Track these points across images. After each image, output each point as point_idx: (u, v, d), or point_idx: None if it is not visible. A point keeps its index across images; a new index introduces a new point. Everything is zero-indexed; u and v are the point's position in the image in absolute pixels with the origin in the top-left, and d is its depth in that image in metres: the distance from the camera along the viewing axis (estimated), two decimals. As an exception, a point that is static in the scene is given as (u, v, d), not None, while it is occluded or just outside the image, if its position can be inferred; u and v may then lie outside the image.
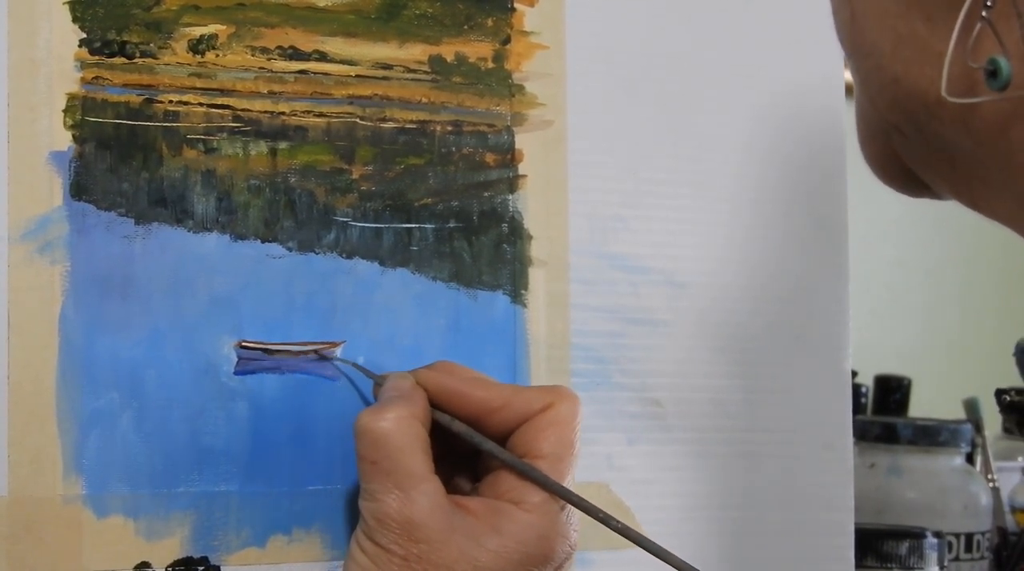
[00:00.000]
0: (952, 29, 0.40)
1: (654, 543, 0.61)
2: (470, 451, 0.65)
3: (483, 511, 0.61)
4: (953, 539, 1.02)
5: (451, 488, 0.63)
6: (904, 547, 0.87)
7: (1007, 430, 1.31)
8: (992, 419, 1.26)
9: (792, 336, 0.76)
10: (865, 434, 1.05)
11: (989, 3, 0.39)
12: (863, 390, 1.31)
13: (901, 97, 0.43)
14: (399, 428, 0.60)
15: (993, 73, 0.39)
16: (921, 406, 1.32)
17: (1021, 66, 0.39)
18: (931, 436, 1.04)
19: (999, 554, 1.11)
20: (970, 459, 1.13)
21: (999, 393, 1.07)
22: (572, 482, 0.63)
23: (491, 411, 0.62)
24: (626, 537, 0.62)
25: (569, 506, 0.62)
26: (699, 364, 0.74)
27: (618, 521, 0.62)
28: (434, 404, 0.63)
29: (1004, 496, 1.20)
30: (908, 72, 0.42)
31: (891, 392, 1.30)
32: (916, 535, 0.88)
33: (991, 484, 1.16)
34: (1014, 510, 1.21)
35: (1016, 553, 1.11)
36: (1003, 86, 0.39)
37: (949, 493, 1.03)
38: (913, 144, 0.45)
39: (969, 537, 1.03)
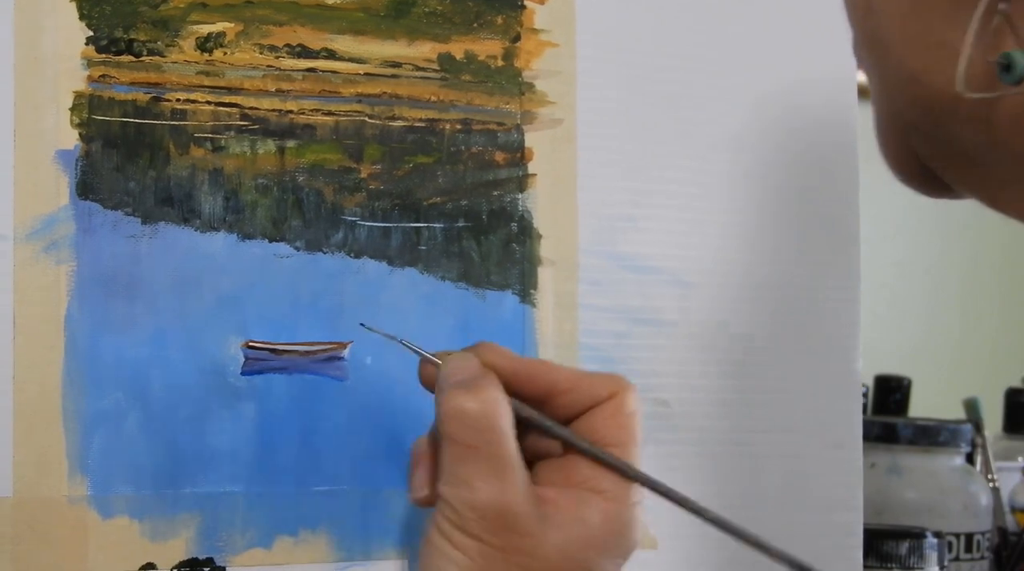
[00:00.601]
0: (968, 24, 0.40)
1: (755, 536, 0.59)
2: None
3: (564, 500, 0.58)
4: (953, 539, 1.02)
5: None
6: (904, 547, 0.86)
7: (1008, 430, 1.31)
8: (992, 419, 1.26)
9: (801, 336, 0.76)
10: (865, 434, 1.04)
11: None
12: (863, 390, 1.31)
13: (919, 95, 0.43)
14: (501, 410, 0.57)
15: (1007, 67, 0.39)
16: (921, 406, 1.32)
17: None
18: (931, 436, 1.04)
19: (999, 554, 1.11)
20: (970, 459, 1.13)
21: (1012, 392, 1.07)
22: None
23: (558, 393, 0.59)
24: (722, 529, 0.59)
25: (641, 492, 0.59)
26: (707, 364, 0.74)
27: (712, 512, 0.60)
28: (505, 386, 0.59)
29: (1004, 496, 1.20)
30: (926, 70, 0.42)
31: (891, 392, 1.30)
32: (916, 535, 0.87)
33: (991, 484, 1.16)
34: (1014, 510, 1.21)
35: (1016, 553, 1.11)
36: (1018, 80, 0.39)
37: (949, 493, 1.03)
38: (932, 143, 0.45)
39: (969, 537, 1.03)
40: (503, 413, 0.57)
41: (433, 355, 0.60)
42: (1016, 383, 1.36)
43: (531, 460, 0.60)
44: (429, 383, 0.60)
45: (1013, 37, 0.39)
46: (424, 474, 0.60)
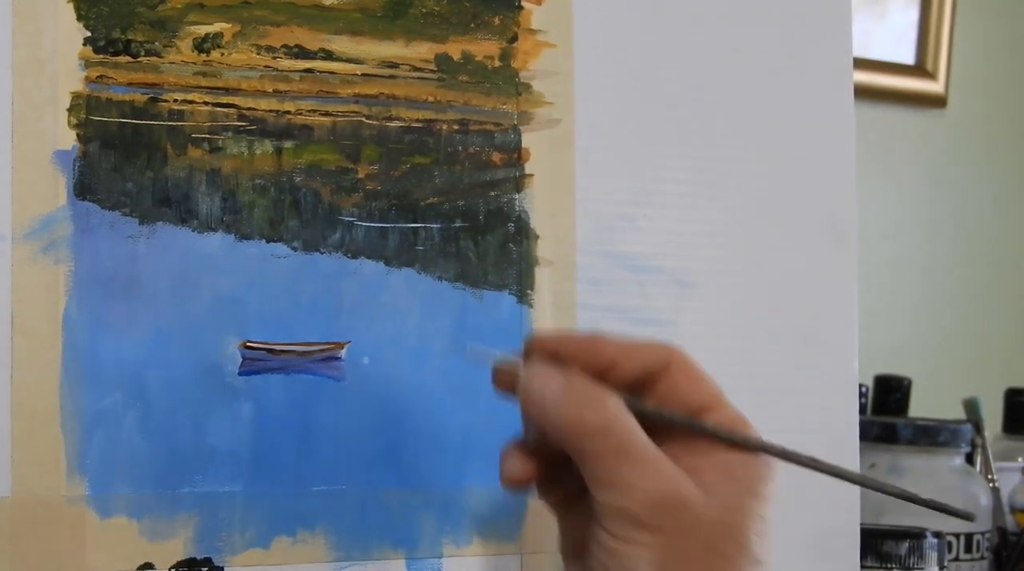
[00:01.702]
0: None
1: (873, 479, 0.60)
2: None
3: (705, 465, 0.57)
4: (953, 539, 1.02)
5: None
6: (904, 547, 0.86)
7: (1008, 430, 1.31)
8: (992, 419, 1.26)
9: (799, 336, 0.76)
10: (865, 434, 1.04)
11: None
12: (863, 390, 1.31)
13: None
14: (620, 409, 0.56)
15: None
16: (921, 406, 1.32)
17: None
18: (931, 436, 1.04)
19: (999, 554, 1.11)
20: (970, 459, 1.13)
21: (1013, 393, 1.07)
22: None
23: (613, 367, 0.58)
24: (839, 476, 0.60)
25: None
26: (705, 364, 0.74)
27: (827, 463, 0.60)
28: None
29: (1004, 496, 1.20)
30: None
31: (891, 392, 1.30)
32: (916, 535, 0.87)
33: (991, 484, 1.16)
34: (1014, 510, 1.21)
35: (1016, 553, 1.11)
36: None
37: (949, 493, 1.03)
38: None
39: (969, 537, 1.03)
40: (623, 411, 0.56)
41: (510, 360, 0.59)
42: (1017, 383, 1.36)
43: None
44: (506, 388, 0.60)
45: None
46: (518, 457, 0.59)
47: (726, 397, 0.60)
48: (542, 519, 0.65)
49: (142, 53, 0.64)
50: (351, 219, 0.67)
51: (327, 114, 0.67)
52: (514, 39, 0.71)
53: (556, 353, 0.58)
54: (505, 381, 0.59)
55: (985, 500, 1.05)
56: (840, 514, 0.76)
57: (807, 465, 0.60)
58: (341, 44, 0.68)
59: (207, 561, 0.64)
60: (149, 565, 0.63)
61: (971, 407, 1.24)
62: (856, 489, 0.77)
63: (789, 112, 0.76)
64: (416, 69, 0.69)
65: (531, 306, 0.70)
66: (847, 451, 0.77)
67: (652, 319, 0.73)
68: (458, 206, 0.69)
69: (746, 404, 0.75)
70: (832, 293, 0.77)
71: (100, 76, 0.63)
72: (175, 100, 0.65)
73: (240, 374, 0.65)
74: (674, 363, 0.59)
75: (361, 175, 0.68)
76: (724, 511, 0.57)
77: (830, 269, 0.77)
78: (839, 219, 0.77)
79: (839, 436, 0.76)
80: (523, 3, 0.71)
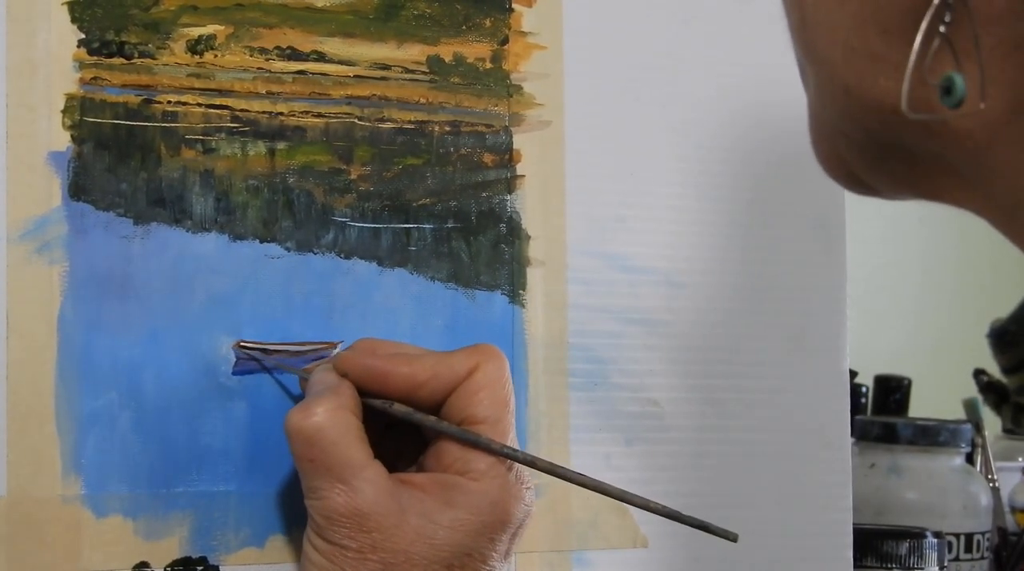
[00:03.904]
0: (907, 43, 0.40)
1: (604, 484, 0.60)
2: (412, 431, 0.63)
3: (432, 486, 0.60)
4: (953, 539, 1.02)
5: (398, 471, 0.62)
6: (904, 547, 0.87)
7: (1008, 430, 1.31)
8: (992, 419, 1.26)
9: (790, 336, 0.76)
10: (865, 434, 1.05)
11: (947, 19, 0.39)
12: (863, 390, 1.31)
13: (853, 107, 0.43)
14: (330, 421, 0.59)
15: (948, 90, 0.39)
16: (921, 406, 1.32)
17: (976, 84, 0.39)
18: (931, 436, 1.04)
19: (999, 554, 1.11)
20: (970, 459, 1.13)
21: (977, 373, 1.06)
22: (514, 441, 0.62)
23: (419, 384, 0.61)
24: (579, 484, 0.61)
25: (518, 466, 0.61)
26: (697, 364, 0.74)
27: (568, 469, 0.61)
28: (362, 387, 0.61)
29: (1004, 496, 1.20)
30: (860, 83, 0.42)
31: (891, 392, 1.30)
32: (916, 535, 0.87)
33: (991, 484, 1.16)
34: (1014, 510, 1.21)
35: (1016, 553, 1.11)
36: (957, 103, 0.39)
37: (949, 493, 1.03)
38: (860, 151, 0.45)
39: (969, 537, 1.03)
40: (337, 423, 0.59)
41: (305, 370, 0.64)
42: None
43: (426, 449, 0.62)
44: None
45: (953, 59, 0.39)
46: None
47: (505, 412, 0.61)
48: (536, 518, 0.65)
49: (136, 55, 0.64)
50: (344, 220, 0.67)
51: (320, 115, 0.67)
52: (505, 41, 0.71)
53: (357, 377, 0.61)
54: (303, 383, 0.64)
55: (985, 500, 1.05)
56: (833, 514, 0.77)
57: (545, 471, 0.61)
58: (333, 46, 0.68)
59: (202, 560, 0.64)
60: (144, 564, 0.63)
61: (971, 407, 1.24)
62: (850, 489, 0.77)
63: (778, 112, 0.76)
64: (408, 71, 0.69)
65: (523, 306, 0.70)
66: (839, 451, 0.77)
67: (643, 319, 0.73)
68: (450, 207, 0.70)
69: (736, 403, 0.75)
70: (822, 292, 0.77)
71: (94, 78, 0.64)
72: (169, 102, 0.65)
73: (234, 374, 0.65)
74: (476, 370, 0.61)
75: (354, 176, 0.68)
76: (418, 538, 0.58)
77: (820, 269, 0.77)
78: (828, 219, 0.77)
79: (831, 436, 0.77)
80: (514, 5, 0.71)
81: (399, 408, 0.61)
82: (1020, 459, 1.34)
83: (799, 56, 0.46)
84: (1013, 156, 0.40)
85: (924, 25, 0.39)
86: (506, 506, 0.60)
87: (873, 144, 0.44)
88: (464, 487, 0.60)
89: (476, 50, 0.70)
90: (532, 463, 0.61)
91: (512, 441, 0.61)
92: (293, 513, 0.65)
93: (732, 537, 0.59)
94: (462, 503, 0.59)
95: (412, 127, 0.69)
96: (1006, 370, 0.86)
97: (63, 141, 0.63)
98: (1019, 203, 0.41)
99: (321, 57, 0.67)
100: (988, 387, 1.07)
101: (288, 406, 0.65)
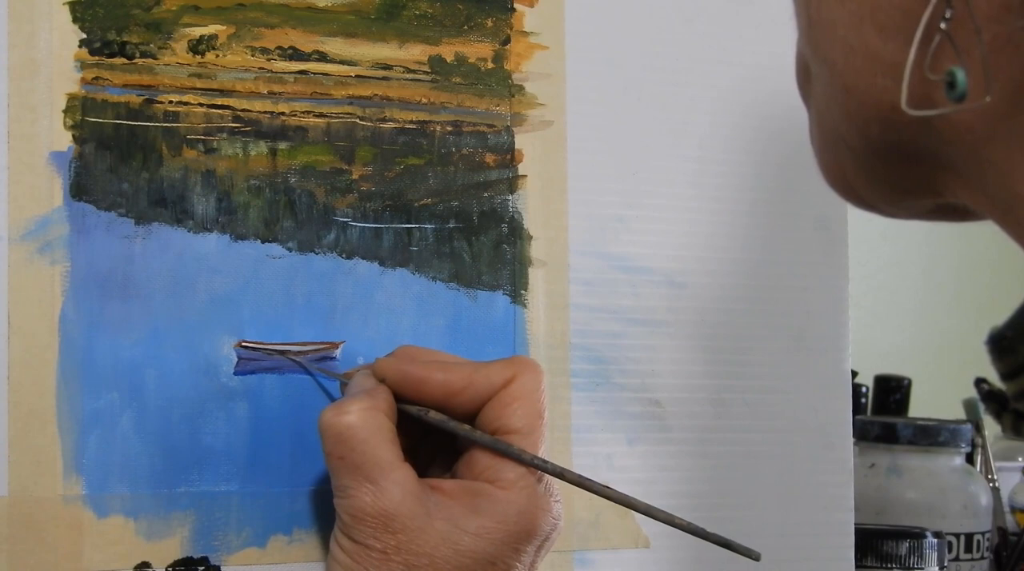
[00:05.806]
0: (906, 41, 0.40)
1: (631, 497, 0.60)
2: (447, 439, 0.64)
3: (460, 492, 0.60)
4: (953, 539, 1.02)
5: (430, 477, 0.62)
6: (904, 547, 0.87)
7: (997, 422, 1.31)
8: (992, 419, 1.26)
9: (792, 336, 0.76)
10: (865, 434, 1.05)
11: (947, 15, 0.39)
12: (863, 390, 1.32)
13: (852, 107, 0.43)
14: (362, 420, 0.59)
15: (951, 84, 0.39)
16: (921, 406, 1.32)
17: (977, 78, 0.39)
18: (931, 436, 1.04)
19: (999, 554, 1.11)
20: (970, 459, 1.13)
21: (978, 382, 1.06)
22: (546, 453, 0.62)
23: (455, 393, 0.61)
24: (605, 496, 0.61)
25: (548, 478, 0.61)
26: (699, 364, 0.74)
27: (596, 482, 0.61)
28: (399, 394, 0.62)
29: (1004, 496, 1.20)
30: (858, 83, 0.42)
31: (891, 392, 1.30)
32: (916, 535, 0.87)
33: (991, 484, 1.16)
34: (1014, 510, 1.21)
35: (1016, 553, 1.11)
36: (960, 97, 0.39)
37: (949, 493, 1.03)
38: (857, 161, 0.45)
39: (969, 537, 1.03)
40: (369, 422, 0.59)
41: (346, 374, 0.65)
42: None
43: (459, 457, 0.63)
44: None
45: (954, 55, 0.39)
46: None
47: (539, 423, 0.62)
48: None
49: (137, 55, 0.64)
50: (345, 220, 0.67)
51: (321, 115, 0.67)
52: (507, 41, 0.71)
53: (394, 383, 0.62)
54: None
55: (985, 500, 1.05)
56: (834, 514, 0.77)
57: (574, 483, 0.61)
58: (335, 46, 0.68)
59: (203, 560, 0.64)
60: (146, 564, 0.63)
61: (971, 407, 1.24)
62: (851, 488, 0.77)
63: (780, 112, 0.76)
64: (410, 71, 0.69)
65: (525, 306, 0.70)
66: (841, 451, 0.77)
67: (645, 319, 0.73)
68: (452, 207, 0.70)
69: (738, 403, 0.75)
70: (824, 292, 0.77)
71: (96, 78, 0.64)
72: (170, 102, 0.65)
73: (236, 374, 0.65)
74: (513, 381, 0.62)
75: (355, 176, 0.68)
76: (443, 542, 0.59)
77: (821, 268, 0.77)
78: (829, 219, 0.77)
79: (832, 437, 0.77)
80: (516, 5, 0.71)
81: (434, 415, 0.62)
82: (1020, 459, 1.34)
83: (799, 65, 0.46)
84: (1010, 150, 0.40)
85: (924, 22, 0.39)
86: (533, 517, 0.60)
87: (870, 153, 0.44)
88: (492, 495, 0.60)
89: (478, 50, 0.70)
90: (561, 475, 0.61)
91: (544, 454, 0.62)
92: (295, 513, 0.65)
93: (755, 556, 0.59)
94: (489, 511, 0.59)
95: (414, 127, 0.69)
96: (1004, 376, 0.86)
97: (64, 141, 0.63)
98: (1016, 197, 0.41)
99: (323, 57, 0.67)
100: (989, 396, 1.07)
101: (292, 406, 0.66)
